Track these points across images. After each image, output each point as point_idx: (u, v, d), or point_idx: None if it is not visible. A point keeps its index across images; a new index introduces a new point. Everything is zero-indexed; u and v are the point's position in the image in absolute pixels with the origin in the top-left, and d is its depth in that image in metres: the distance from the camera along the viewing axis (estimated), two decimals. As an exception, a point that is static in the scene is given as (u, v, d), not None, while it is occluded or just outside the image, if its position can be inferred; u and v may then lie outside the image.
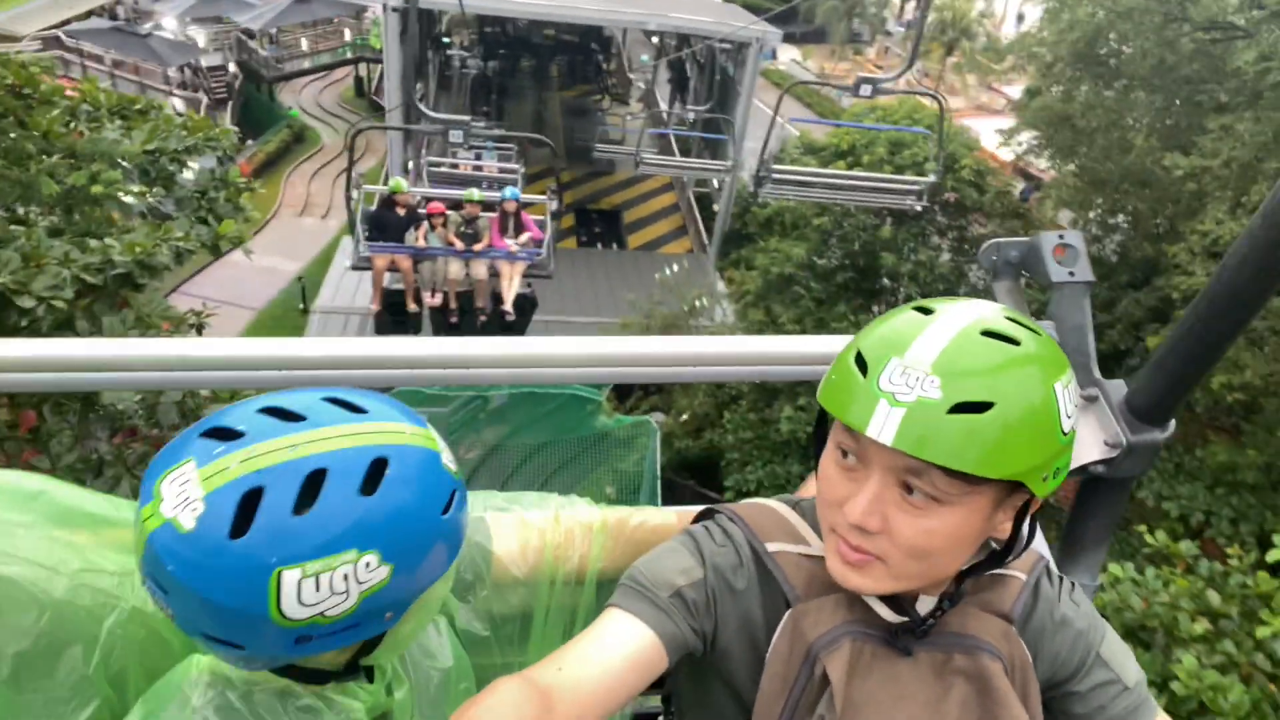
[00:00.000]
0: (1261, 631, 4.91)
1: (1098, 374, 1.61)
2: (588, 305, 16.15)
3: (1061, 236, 1.71)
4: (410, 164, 16.00)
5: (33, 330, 3.30)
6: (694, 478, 13.03)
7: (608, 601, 1.05)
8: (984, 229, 12.96)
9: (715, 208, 18.82)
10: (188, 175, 5.23)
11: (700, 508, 1.22)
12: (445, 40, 22.68)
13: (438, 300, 9.19)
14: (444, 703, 1.21)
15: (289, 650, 0.90)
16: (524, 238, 9.35)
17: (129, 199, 4.42)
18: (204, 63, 25.08)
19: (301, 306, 17.15)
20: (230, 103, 24.50)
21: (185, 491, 0.85)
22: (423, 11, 16.39)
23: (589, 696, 0.93)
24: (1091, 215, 13.68)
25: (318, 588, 0.86)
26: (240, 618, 0.86)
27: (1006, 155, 17.30)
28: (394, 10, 14.84)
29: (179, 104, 22.04)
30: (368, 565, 0.88)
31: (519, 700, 0.87)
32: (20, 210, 4.20)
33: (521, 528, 1.31)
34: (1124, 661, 1.13)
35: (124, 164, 4.42)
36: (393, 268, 9.07)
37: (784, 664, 1.04)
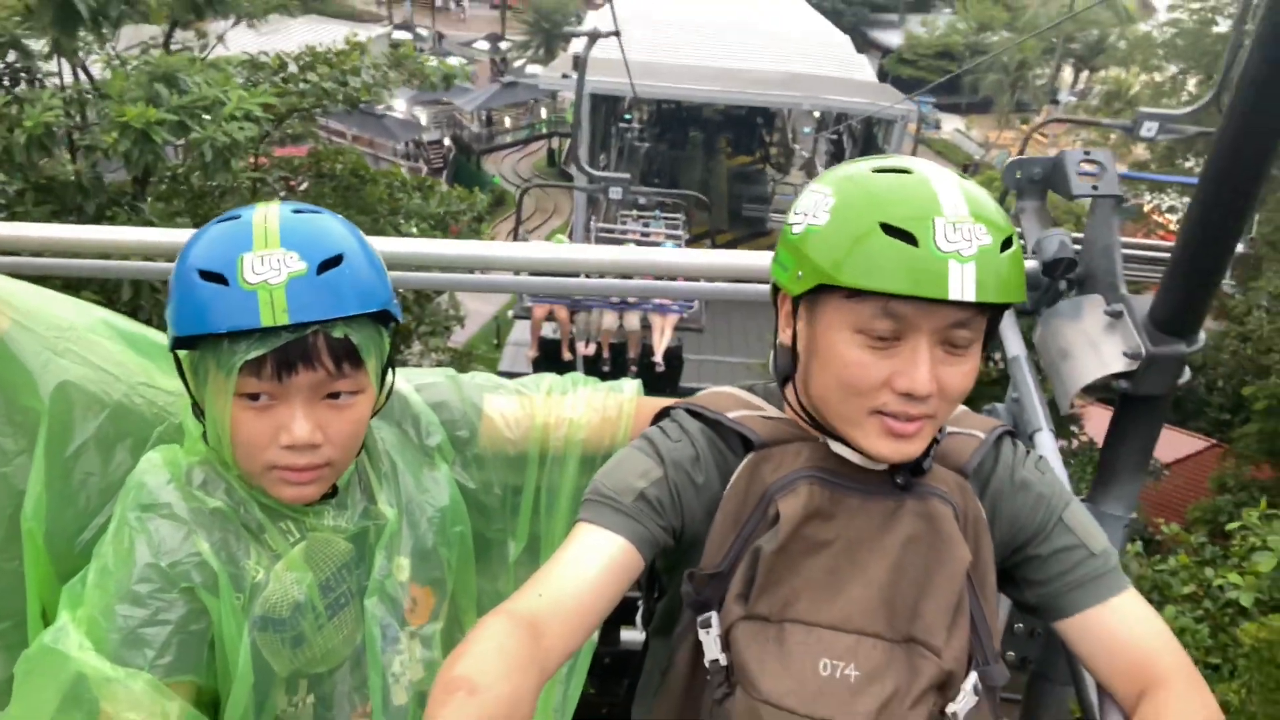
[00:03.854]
0: (1217, 580, 6.54)
1: (1124, 290, 1.63)
2: (738, 347, 18.27)
3: (1088, 152, 1.73)
4: (589, 225, 18.67)
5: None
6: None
7: (576, 518, 1.06)
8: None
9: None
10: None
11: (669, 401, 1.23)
12: (627, 117, 25.67)
13: (591, 350, 9.33)
14: (439, 541, 1.27)
15: None
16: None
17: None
18: (425, 138, 29.55)
19: (495, 341, 20.24)
20: (445, 171, 28.56)
21: None
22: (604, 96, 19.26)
23: (573, 615, 0.96)
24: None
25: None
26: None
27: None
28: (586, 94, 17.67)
29: (404, 172, 26.33)
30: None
31: (508, 634, 0.89)
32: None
33: (516, 396, 1.37)
34: (1091, 529, 1.10)
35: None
36: (550, 317, 9.21)
37: (739, 504, 1.06)
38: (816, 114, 28.26)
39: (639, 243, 13.49)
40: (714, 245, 11.64)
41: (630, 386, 1.43)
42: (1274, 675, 5.61)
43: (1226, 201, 1.33)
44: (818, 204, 1.00)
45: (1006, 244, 0.94)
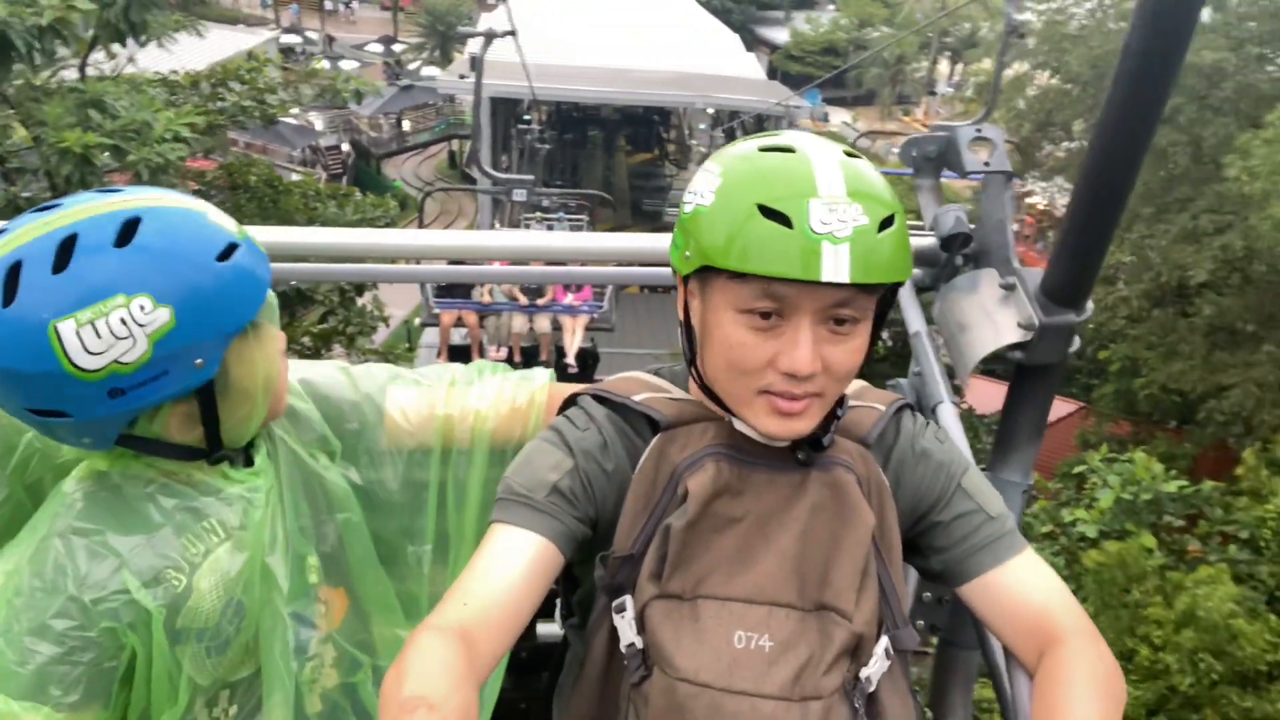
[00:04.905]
0: (1069, 518, 7.55)
1: (1016, 264, 1.67)
2: (646, 339, 18.91)
3: (979, 130, 1.75)
4: (495, 227, 19.04)
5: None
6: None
7: (490, 518, 1.05)
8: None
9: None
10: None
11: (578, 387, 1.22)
12: (526, 119, 26.02)
13: (502, 355, 9.10)
14: (322, 519, 1.25)
15: (110, 406, 0.94)
16: (585, 292, 9.70)
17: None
18: (322, 143, 29.17)
19: (407, 345, 20.40)
20: (344, 177, 28.12)
21: None
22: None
23: (502, 620, 0.96)
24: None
25: (98, 334, 0.90)
26: (43, 380, 0.91)
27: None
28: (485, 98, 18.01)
29: (296, 179, 25.73)
30: (142, 308, 0.91)
31: (444, 648, 0.89)
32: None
33: (416, 388, 1.33)
34: (988, 494, 1.13)
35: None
36: (459, 323, 9.01)
37: (648, 485, 1.07)
38: (711, 111, 29.19)
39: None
40: (619, 242, 11.96)
41: (542, 375, 1.39)
42: (1112, 592, 6.56)
43: (1109, 179, 1.37)
44: (707, 184, 1.00)
45: (887, 223, 0.94)
